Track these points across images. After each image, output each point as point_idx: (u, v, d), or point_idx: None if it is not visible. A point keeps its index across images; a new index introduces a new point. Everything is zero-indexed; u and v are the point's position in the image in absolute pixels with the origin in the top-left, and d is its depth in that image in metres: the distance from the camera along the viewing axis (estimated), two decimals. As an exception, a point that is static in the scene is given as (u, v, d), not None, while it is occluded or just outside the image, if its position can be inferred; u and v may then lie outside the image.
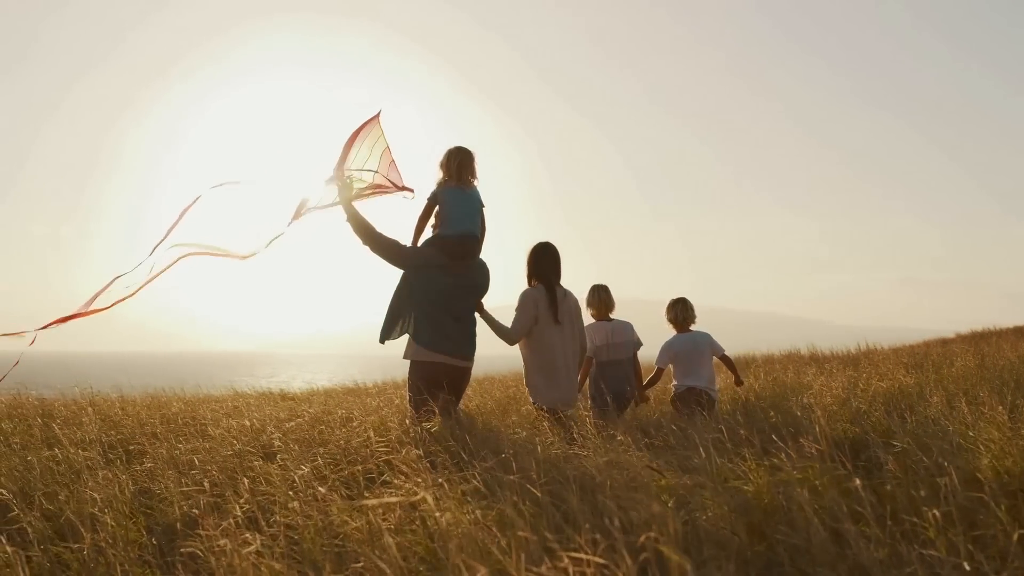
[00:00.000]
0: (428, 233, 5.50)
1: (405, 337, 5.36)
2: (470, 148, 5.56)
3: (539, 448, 3.70)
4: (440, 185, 5.50)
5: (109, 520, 3.26)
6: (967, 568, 2.32)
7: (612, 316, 6.43)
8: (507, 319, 5.74)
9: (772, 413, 4.87)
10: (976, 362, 7.27)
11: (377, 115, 5.53)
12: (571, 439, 4.37)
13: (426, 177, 5.65)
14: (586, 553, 2.18)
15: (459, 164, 5.49)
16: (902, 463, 3.24)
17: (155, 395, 8.62)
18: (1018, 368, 6.38)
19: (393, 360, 5.53)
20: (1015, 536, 2.44)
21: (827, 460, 3.26)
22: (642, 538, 2.31)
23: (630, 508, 2.75)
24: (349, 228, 5.35)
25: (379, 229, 5.36)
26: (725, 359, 6.84)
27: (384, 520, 2.93)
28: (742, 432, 3.99)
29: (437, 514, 2.82)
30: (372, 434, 4.54)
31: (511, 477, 3.17)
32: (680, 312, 6.68)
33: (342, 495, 3.54)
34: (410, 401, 5.33)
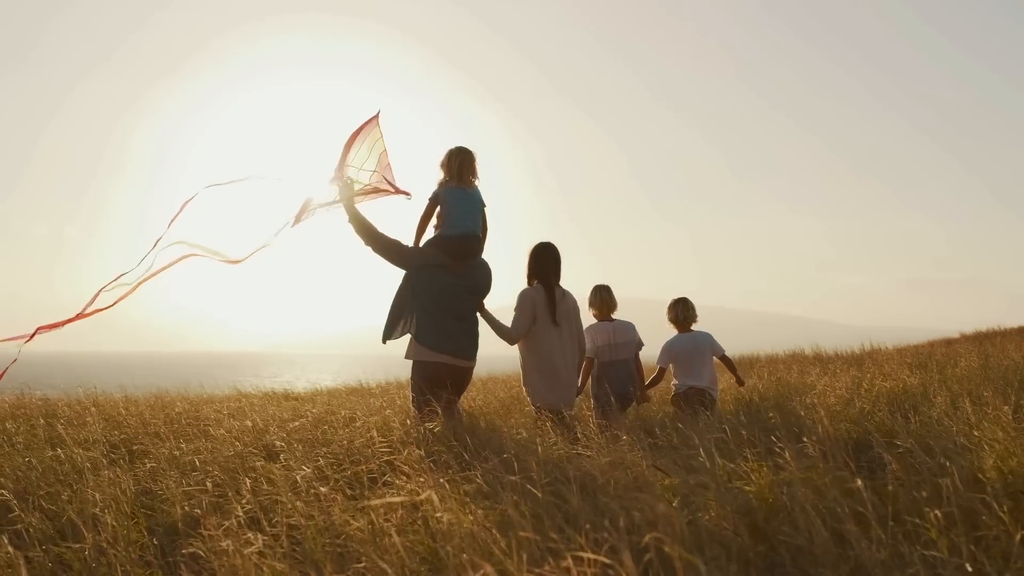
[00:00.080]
0: (430, 233, 5.51)
1: (407, 337, 5.37)
2: (471, 148, 5.57)
3: (540, 449, 3.70)
4: (441, 185, 5.50)
5: (110, 520, 3.26)
6: (969, 569, 2.32)
7: (614, 316, 6.42)
8: (509, 319, 5.73)
9: (775, 413, 4.85)
10: (980, 362, 7.24)
11: (376, 116, 5.53)
12: (574, 439, 4.36)
13: (430, 177, 5.67)
14: (588, 553, 2.18)
15: (460, 164, 5.49)
16: (904, 463, 3.23)
17: (159, 395, 8.62)
18: (1023, 368, 6.36)
19: (397, 360, 5.53)
20: (1018, 537, 2.44)
21: (830, 460, 3.26)
22: (646, 538, 2.31)
23: (632, 508, 2.74)
24: (351, 229, 5.35)
25: (381, 229, 5.37)
26: (725, 359, 6.82)
27: (386, 521, 2.93)
28: (743, 433, 3.98)
29: (438, 515, 2.82)
30: (375, 434, 4.54)
31: (512, 478, 3.17)
32: (681, 312, 6.67)
33: (345, 495, 3.54)
34: (413, 401, 5.34)
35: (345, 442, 4.58)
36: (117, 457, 4.66)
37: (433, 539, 2.79)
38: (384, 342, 5.46)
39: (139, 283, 5.32)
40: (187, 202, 5.40)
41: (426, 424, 4.75)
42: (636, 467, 3.47)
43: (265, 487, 3.65)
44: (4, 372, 5.13)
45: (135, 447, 5.02)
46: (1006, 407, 3.92)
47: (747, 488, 3.13)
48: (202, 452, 4.44)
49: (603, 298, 6.39)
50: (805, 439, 3.50)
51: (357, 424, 5.22)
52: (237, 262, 5.44)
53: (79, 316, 5.20)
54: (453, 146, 5.58)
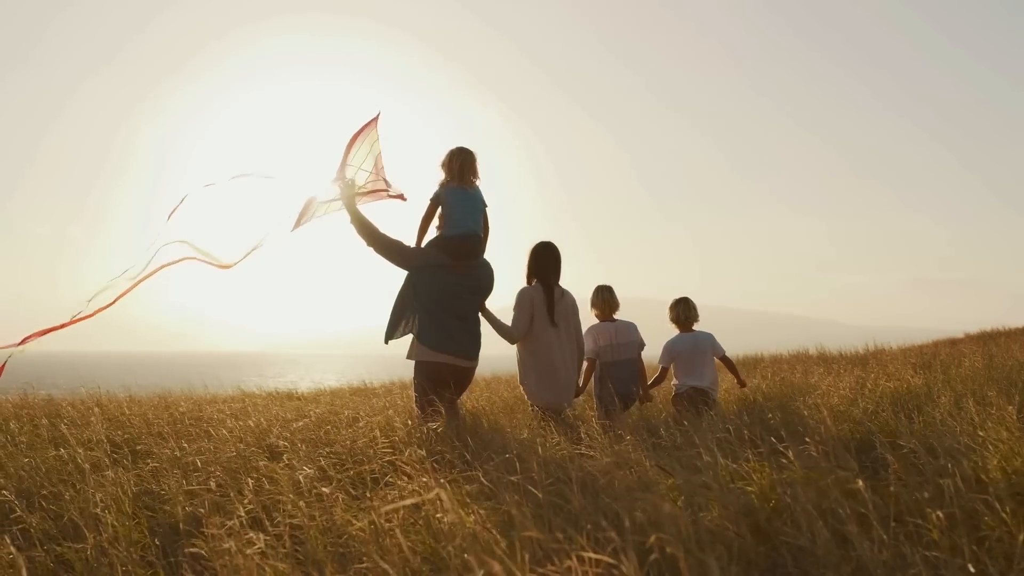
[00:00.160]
0: (433, 234, 5.51)
1: (410, 337, 5.38)
2: (471, 148, 5.58)
3: (540, 449, 3.69)
4: (442, 186, 5.51)
5: (111, 520, 3.26)
6: (972, 570, 2.31)
7: (616, 317, 6.41)
8: (509, 319, 5.73)
9: (778, 413, 4.85)
10: (984, 362, 7.23)
11: (376, 118, 5.54)
12: (577, 439, 4.36)
13: (431, 177, 5.68)
14: (590, 553, 2.18)
15: (461, 164, 5.50)
16: (906, 464, 3.23)
17: (163, 395, 8.64)
18: (1027, 368, 6.35)
19: (400, 360, 5.54)
20: (1021, 538, 2.43)
21: (832, 461, 3.25)
22: (652, 539, 2.30)
23: (635, 509, 2.74)
24: (353, 230, 5.36)
25: (382, 230, 5.37)
26: (726, 360, 6.80)
27: (388, 521, 2.93)
28: (745, 433, 3.97)
29: (439, 515, 2.82)
30: (378, 433, 4.54)
31: (513, 478, 3.17)
32: (683, 312, 6.66)
33: (349, 495, 3.54)
34: (416, 401, 5.35)
35: (348, 442, 4.58)
36: (120, 457, 4.67)
37: (435, 539, 2.79)
38: (386, 342, 5.48)
39: (130, 288, 5.31)
40: (180, 203, 5.39)
41: (429, 424, 4.76)
42: (640, 467, 3.46)
43: (267, 487, 3.65)
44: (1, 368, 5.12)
45: (138, 447, 5.02)
46: (1010, 407, 3.91)
47: (749, 488, 3.13)
48: (204, 452, 4.44)
49: (605, 298, 6.39)
50: (808, 439, 3.49)
51: (360, 424, 5.22)
52: (228, 267, 5.44)
53: (71, 322, 5.18)
54: (454, 146, 5.60)
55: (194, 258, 5.39)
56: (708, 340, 6.57)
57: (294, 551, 2.89)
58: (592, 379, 6.26)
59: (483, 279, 5.49)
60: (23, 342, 5.05)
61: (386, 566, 2.44)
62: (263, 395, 9.86)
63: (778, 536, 2.69)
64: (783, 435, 3.85)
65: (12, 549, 2.75)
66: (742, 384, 6.74)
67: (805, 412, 4.83)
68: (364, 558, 2.69)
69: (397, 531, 2.71)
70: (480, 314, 5.53)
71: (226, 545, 2.70)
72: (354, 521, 3.04)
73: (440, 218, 5.47)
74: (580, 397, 6.62)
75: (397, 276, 5.48)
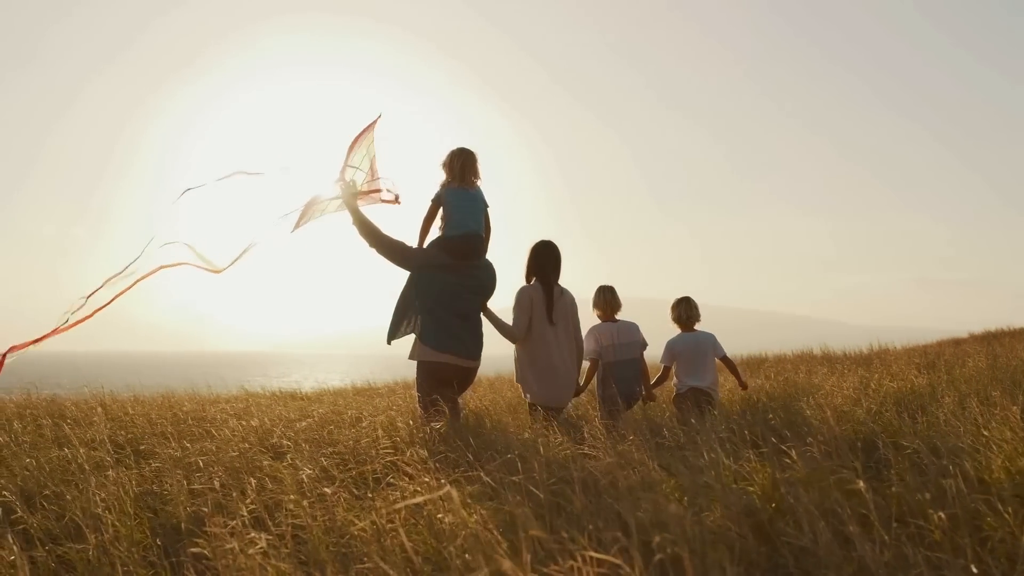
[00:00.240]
0: (435, 234, 5.52)
1: (413, 337, 5.38)
2: (472, 149, 5.58)
3: (542, 449, 3.69)
4: (443, 186, 5.52)
5: (113, 520, 3.27)
6: (974, 571, 2.30)
7: (618, 317, 6.40)
8: (509, 319, 5.73)
9: (780, 413, 4.84)
10: (989, 362, 7.21)
11: (375, 121, 5.54)
12: (580, 439, 4.36)
13: (433, 178, 5.68)
14: (592, 553, 2.17)
15: (462, 165, 5.50)
16: (910, 464, 3.22)
17: (166, 395, 8.64)
18: (1031, 368, 6.33)
19: (404, 360, 5.54)
20: (1024, 539, 2.42)
21: (836, 459, 3.24)
22: (656, 539, 2.30)
23: (637, 509, 2.74)
24: (355, 231, 5.37)
25: (385, 231, 5.38)
26: (727, 361, 6.76)
27: (389, 522, 2.92)
28: (746, 433, 3.97)
29: (440, 515, 2.82)
30: (381, 433, 4.54)
31: (514, 479, 3.16)
32: (684, 311, 6.64)
33: (352, 495, 3.54)
34: (419, 401, 5.35)
35: (351, 442, 4.58)
36: (123, 457, 4.67)
37: (437, 539, 2.79)
38: (389, 342, 5.49)
39: (114, 298, 5.30)
40: (187, 190, 5.39)
41: (432, 424, 4.76)
42: (643, 467, 3.46)
43: (270, 487, 3.66)
44: None
45: (142, 447, 5.03)
46: (1014, 407, 3.90)
47: (751, 489, 3.12)
48: (207, 453, 4.44)
49: (607, 299, 6.37)
50: (810, 439, 3.48)
51: (363, 424, 5.22)
52: (219, 271, 5.44)
53: (53, 332, 5.16)
54: (455, 147, 5.60)
55: (183, 263, 5.38)
56: (709, 340, 6.55)
57: (296, 551, 2.89)
58: (595, 379, 6.25)
59: (485, 279, 5.49)
60: (5, 355, 5.04)
61: (386, 567, 2.44)
62: (267, 395, 9.86)
63: (780, 537, 2.69)
64: (787, 435, 3.84)
65: (15, 549, 2.75)
66: (743, 386, 6.70)
67: (808, 412, 4.82)
68: (366, 558, 2.69)
69: (400, 531, 2.70)
70: (482, 314, 5.53)
71: (229, 545, 2.70)
72: (356, 521, 3.04)
73: (442, 219, 5.48)
74: (583, 397, 6.60)
75: (401, 276, 5.49)
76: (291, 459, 4.14)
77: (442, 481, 3.28)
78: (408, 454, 3.86)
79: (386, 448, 4.26)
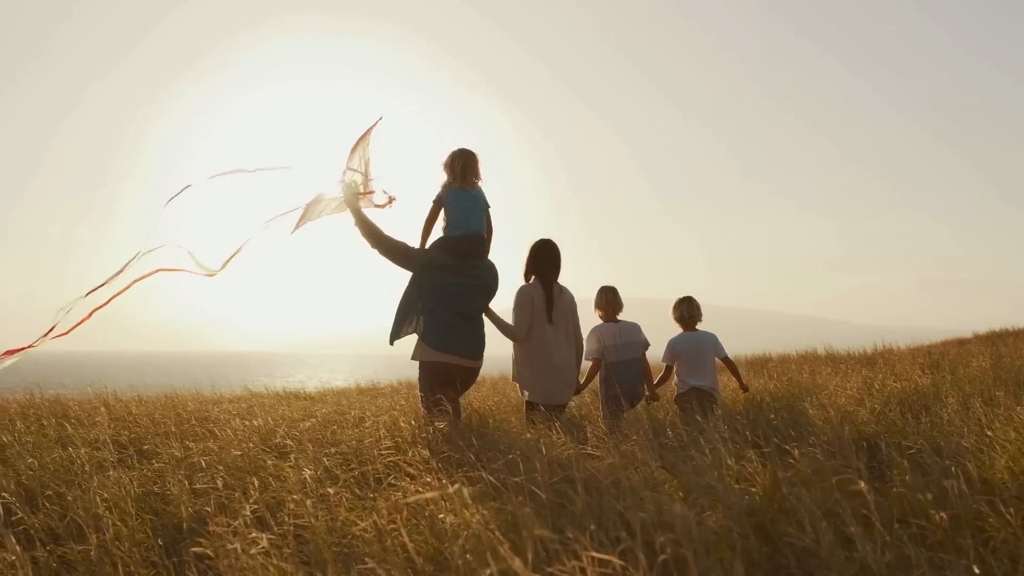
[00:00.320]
0: (437, 235, 5.52)
1: (415, 337, 5.38)
2: (473, 149, 5.58)
3: (544, 449, 3.68)
4: (445, 187, 5.52)
5: (114, 520, 3.27)
6: (976, 572, 2.29)
7: (620, 318, 6.39)
8: (509, 319, 5.73)
9: (783, 414, 4.83)
10: (992, 363, 7.19)
11: (375, 124, 5.54)
12: (583, 439, 4.35)
13: (436, 177, 5.68)
14: (594, 553, 2.17)
15: (463, 166, 5.51)
16: (913, 464, 3.21)
17: (170, 395, 8.65)
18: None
19: (408, 360, 5.53)
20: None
21: (839, 459, 3.24)
22: (661, 539, 2.29)
23: (639, 509, 2.73)
24: (357, 232, 5.38)
25: (387, 232, 5.39)
26: (728, 363, 6.72)
27: (391, 523, 2.92)
28: (747, 434, 3.96)
29: (442, 515, 2.82)
30: (384, 433, 4.54)
31: (516, 479, 3.16)
32: (686, 311, 6.63)
33: (355, 495, 3.54)
34: (422, 401, 5.35)
35: (354, 442, 4.58)
36: (125, 457, 4.68)
37: (438, 540, 2.79)
38: (391, 343, 5.49)
39: (116, 294, 5.30)
40: (180, 191, 5.39)
41: (435, 424, 4.75)
42: (646, 467, 3.45)
43: (272, 486, 3.66)
44: None
45: (145, 447, 5.03)
46: (1019, 407, 3.90)
47: (753, 489, 3.12)
48: (210, 452, 4.45)
49: (609, 299, 6.36)
50: (813, 440, 3.48)
51: (366, 424, 5.22)
52: (213, 274, 5.44)
53: (46, 336, 5.17)
54: (456, 148, 5.60)
55: (180, 270, 5.39)
56: (710, 340, 6.53)
57: (298, 551, 2.89)
58: (598, 379, 6.25)
59: (488, 279, 5.49)
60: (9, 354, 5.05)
61: (388, 567, 2.44)
62: (270, 395, 9.87)
63: (782, 537, 2.68)
64: (792, 434, 3.84)
65: (17, 549, 2.76)
66: (744, 389, 6.65)
67: (811, 412, 4.82)
68: (367, 558, 2.69)
69: (402, 531, 2.70)
70: (484, 315, 5.53)
71: (231, 545, 2.70)
72: (358, 521, 3.04)
73: (443, 219, 5.48)
74: (587, 397, 6.59)
75: (404, 277, 5.49)
76: (294, 459, 4.14)
77: (444, 482, 3.28)
78: (410, 454, 3.86)
79: (388, 448, 4.26)
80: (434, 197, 5.53)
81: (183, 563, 2.98)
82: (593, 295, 6.40)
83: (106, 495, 3.55)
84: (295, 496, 3.35)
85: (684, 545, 2.28)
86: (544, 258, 5.87)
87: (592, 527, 2.54)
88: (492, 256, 5.65)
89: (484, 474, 3.31)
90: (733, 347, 6.94)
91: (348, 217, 5.44)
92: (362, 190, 5.52)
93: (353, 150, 5.45)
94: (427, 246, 5.49)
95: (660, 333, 6.47)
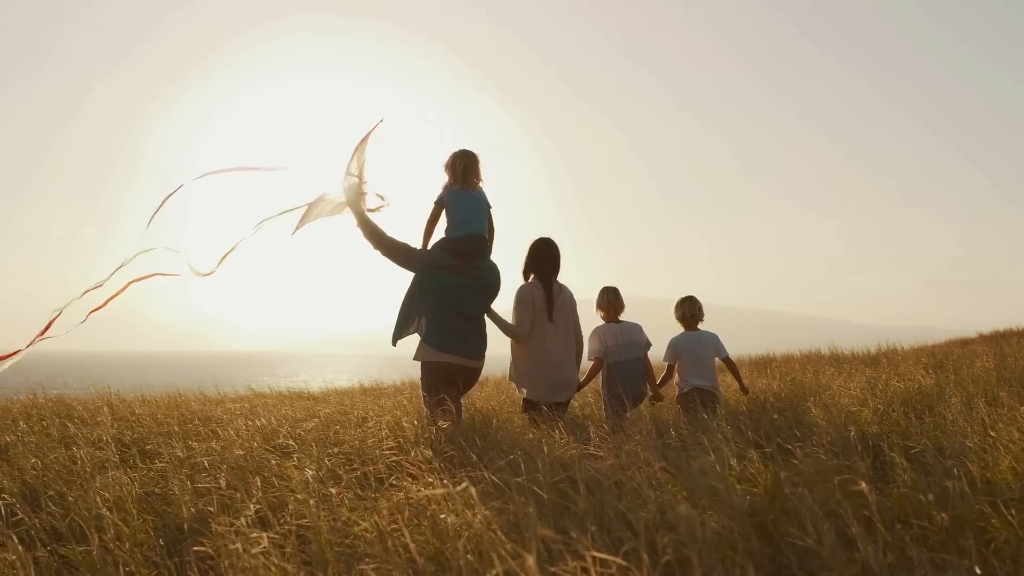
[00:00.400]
0: (439, 235, 5.52)
1: (418, 338, 5.38)
2: (474, 151, 5.59)
3: (546, 449, 3.68)
4: (446, 188, 5.53)
5: (116, 520, 3.27)
6: (978, 572, 2.29)
7: (622, 318, 6.39)
8: (509, 319, 5.73)
9: (786, 414, 4.82)
10: (996, 363, 7.17)
11: (375, 126, 5.55)
12: (586, 439, 4.35)
13: (438, 178, 5.68)
14: (595, 553, 2.17)
15: (464, 167, 5.52)
16: (916, 465, 3.20)
17: (173, 395, 8.66)
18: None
19: (411, 360, 5.53)
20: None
21: (842, 459, 3.23)
22: (665, 539, 2.29)
23: (641, 509, 2.73)
24: (360, 233, 5.39)
25: (390, 233, 5.40)
26: (729, 363, 6.70)
27: (392, 523, 2.92)
28: (750, 434, 3.95)
29: (444, 515, 2.82)
30: (386, 433, 4.54)
31: (518, 479, 3.16)
32: (688, 310, 6.62)
33: (357, 495, 3.54)
34: (425, 402, 5.35)
35: (356, 442, 4.58)
36: (128, 457, 4.68)
37: (440, 540, 2.79)
38: (394, 343, 5.49)
39: (113, 296, 5.30)
40: (164, 203, 5.39)
41: (439, 423, 4.75)
42: (648, 467, 3.45)
43: (275, 486, 3.66)
44: None
45: (147, 447, 5.03)
46: (1022, 408, 3.88)
47: (754, 490, 3.11)
48: (213, 452, 4.45)
49: (610, 300, 6.35)
50: (816, 440, 3.47)
51: (369, 424, 5.22)
52: (208, 275, 5.44)
53: (41, 337, 5.17)
54: (457, 149, 5.61)
55: (168, 274, 5.39)
56: (712, 340, 6.52)
57: (300, 550, 2.89)
58: (600, 379, 6.24)
59: (490, 279, 5.49)
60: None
61: (389, 567, 2.44)
62: (274, 395, 9.88)
63: (784, 538, 2.68)
64: (796, 434, 3.83)
65: (19, 549, 2.76)
66: (744, 390, 6.61)
67: (814, 412, 4.81)
68: (369, 558, 2.69)
69: (404, 531, 2.70)
70: (486, 315, 5.53)
71: (233, 545, 2.70)
72: (360, 521, 3.04)
73: (445, 220, 5.49)
74: (590, 397, 6.58)
75: (406, 278, 5.50)
76: (297, 459, 4.14)
77: (446, 482, 3.28)
78: (413, 454, 3.86)
79: (391, 448, 4.26)
80: (435, 198, 5.54)
81: (184, 563, 2.98)
82: (595, 295, 6.39)
83: (108, 495, 3.55)
84: (297, 496, 3.35)
85: (688, 546, 2.27)
86: (543, 257, 5.87)
87: (594, 528, 2.54)
88: (494, 256, 5.66)
89: (486, 474, 3.31)
90: (734, 347, 6.92)
91: (350, 218, 5.44)
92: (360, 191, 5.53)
93: (354, 153, 5.45)
94: (429, 247, 5.50)
95: (662, 333, 6.46)
